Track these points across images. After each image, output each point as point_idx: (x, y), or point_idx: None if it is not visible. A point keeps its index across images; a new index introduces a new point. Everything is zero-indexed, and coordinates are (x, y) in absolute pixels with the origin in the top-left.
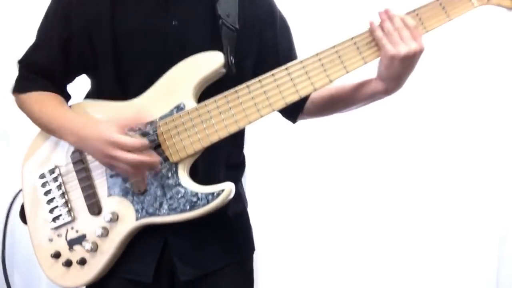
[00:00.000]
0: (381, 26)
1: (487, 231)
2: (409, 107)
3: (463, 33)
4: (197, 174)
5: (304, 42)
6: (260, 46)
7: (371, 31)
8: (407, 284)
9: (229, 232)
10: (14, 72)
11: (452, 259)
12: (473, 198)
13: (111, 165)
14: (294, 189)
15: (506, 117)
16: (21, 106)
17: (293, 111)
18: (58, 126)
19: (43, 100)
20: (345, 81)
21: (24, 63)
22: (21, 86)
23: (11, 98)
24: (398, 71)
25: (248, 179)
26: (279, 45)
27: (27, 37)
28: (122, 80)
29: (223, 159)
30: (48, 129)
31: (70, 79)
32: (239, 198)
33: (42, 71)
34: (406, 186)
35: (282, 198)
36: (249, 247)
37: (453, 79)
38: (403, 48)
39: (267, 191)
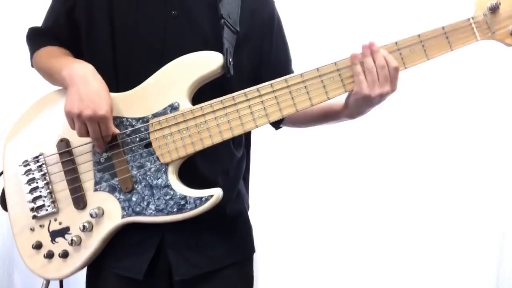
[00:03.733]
0: (362, 61)
1: (487, 231)
2: (409, 108)
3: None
4: (195, 175)
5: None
6: (259, 56)
7: (351, 63)
8: (407, 284)
9: (228, 232)
10: (15, 73)
11: (452, 259)
12: (474, 198)
13: (73, 114)
14: (296, 190)
15: (506, 117)
16: (36, 65)
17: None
18: (66, 64)
19: (54, 50)
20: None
21: (34, 28)
22: (36, 44)
23: (11, 98)
24: (366, 107)
25: (250, 181)
26: (274, 59)
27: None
28: (118, 68)
29: (222, 159)
30: (55, 72)
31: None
32: (239, 196)
33: (50, 34)
34: (407, 187)
35: (284, 199)
36: (249, 248)
37: (453, 79)
38: (377, 91)
39: (269, 193)
